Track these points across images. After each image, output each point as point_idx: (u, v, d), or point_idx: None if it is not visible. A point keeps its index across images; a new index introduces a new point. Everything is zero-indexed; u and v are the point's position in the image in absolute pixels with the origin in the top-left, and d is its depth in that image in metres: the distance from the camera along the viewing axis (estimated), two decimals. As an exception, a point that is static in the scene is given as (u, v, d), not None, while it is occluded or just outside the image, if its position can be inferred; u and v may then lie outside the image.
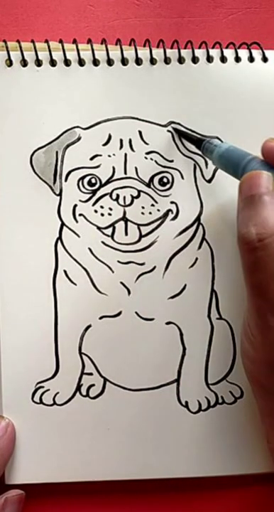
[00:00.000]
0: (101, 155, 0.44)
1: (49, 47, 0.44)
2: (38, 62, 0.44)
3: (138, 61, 0.44)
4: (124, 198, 0.44)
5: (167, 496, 0.46)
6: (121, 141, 0.44)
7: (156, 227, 0.44)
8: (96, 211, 0.44)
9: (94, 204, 0.44)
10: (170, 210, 0.44)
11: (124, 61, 0.44)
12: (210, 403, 0.45)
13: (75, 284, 0.44)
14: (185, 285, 0.44)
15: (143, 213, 0.44)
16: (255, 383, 0.38)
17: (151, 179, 0.44)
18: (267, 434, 0.39)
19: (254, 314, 0.36)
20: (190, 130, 0.44)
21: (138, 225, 0.44)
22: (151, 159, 0.44)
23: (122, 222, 0.44)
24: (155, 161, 0.44)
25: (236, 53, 0.45)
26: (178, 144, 0.44)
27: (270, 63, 0.45)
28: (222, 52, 0.45)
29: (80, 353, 0.44)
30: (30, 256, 0.44)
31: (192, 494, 0.46)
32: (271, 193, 0.36)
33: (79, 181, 0.44)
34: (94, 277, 0.44)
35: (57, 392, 0.44)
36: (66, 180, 0.44)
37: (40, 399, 0.44)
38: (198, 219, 0.44)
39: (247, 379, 0.41)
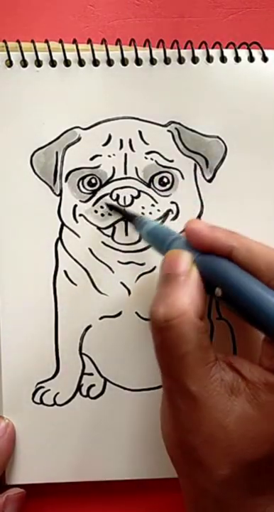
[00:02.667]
0: (101, 155, 0.44)
1: (49, 47, 0.44)
2: (38, 63, 0.44)
3: (138, 61, 0.44)
4: (124, 198, 0.44)
5: (167, 496, 0.46)
6: (121, 141, 0.44)
7: (156, 227, 0.44)
8: (96, 211, 0.44)
9: (94, 204, 0.44)
10: (170, 210, 0.44)
11: (124, 61, 0.44)
12: (210, 403, 0.45)
13: (75, 285, 0.44)
14: (185, 285, 0.44)
15: (143, 213, 0.44)
16: (172, 463, 0.38)
17: (151, 179, 0.44)
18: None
19: (166, 394, 0.36)
20: (190, 130, 0.44)
21: (138, 225, 0.44)
22: (151, 159, 0.44)
23: (122, 223, 0.44)
24: (155, 161, 0.44)
25: (236, 53, 0.45)
26: (178, 144, 0.44)
27: (270, 63, 0.45)
28: (222, 52, 0.45)
29: (80, 353, 0.44)
30: (30, 256, 0.44)
31: (193, 494, 0.46)
32: (187, 274, 0.36)
33: (79, 181, 0.44)
34: (94, 277, 0.44)
35: (58, 393, 0.44)
36: (66, 180, 0.44)
37: (41, 399, 0.44)
38: (198, 219, 0.44)
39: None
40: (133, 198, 0.44)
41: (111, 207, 0.44)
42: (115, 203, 0.44)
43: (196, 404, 0.34)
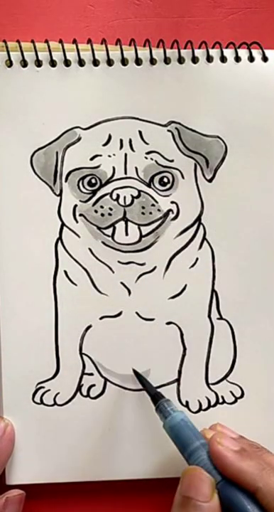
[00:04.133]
0: (101, 155, 0.44)
1: (49, 47, 0.44)
2: (38, 63, 0.44)
3: (138, 61, 0.44)
4: (124, 198, 0.44)
5: (167, 496, 0.46)
6: (121, 141, 0.44)
7: (157, 227, 0.44)
8: (96, 211, 0.44)
9: (94, 204, 0.44)
10: (170, 210, 0.44)
11: (124, 61, 0.44)
12: (210, 403, 0.45)
13: (75, 285, 0.44)
14: (186, 285, 0.44)
15: (143, 213, 0.44)
16: None
17: (151, 179, 0.44)
18: None
19: None
20: (191, 130, 0.44)
21: (139, 225, 0.44)
22: (151, 159, 0.44)
23: (122, 222, 0.44)
24: (156, 161, 0.44)
25: (236, 53, 0.45)
26: (178, 144, 0.44)
27: (270, 63, 0.45)
28: (222, 52, 0.45)
29: (81, 353, 0.44)
30: (30, 256, 0.44)
31: (193, 494, 0.46)
32: (209, 503, 0.36)
33: (79, 181, 0.44)
34: (95, 277, 0.44)
35: (58, 393, 0.44)
36: (66, 180, 0.44)
37: (41, 399, 0.44)
38: (199, 219, 0.44)
39: None
40: (133, 197, 0.44)
41: (138, 376, 0.44)
42: (141, 375, 0.44)
43: None
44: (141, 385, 0.43)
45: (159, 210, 0.44)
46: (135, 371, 0.44)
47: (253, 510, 0.36)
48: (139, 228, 0.44)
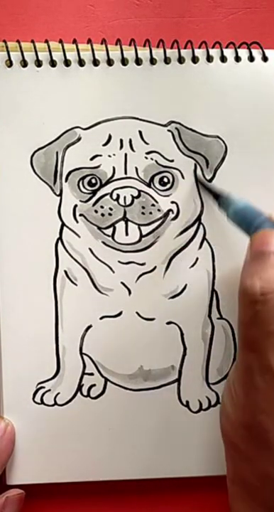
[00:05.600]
0: (101, 155, 0.44)
1: (49, 47, 0.44)
2: (38, 63, 0.44)
3: (138, 61, 0.44)
4: (124, 198, 0.44)
5: (167, 495, 0.46)
6: (121, 141, 0.44)
7: (157, 227, 0.44)
8: (96, 211, 0.44)
9: (94, 204, 0.44)
10: (170, 210, 0.44)
11: (124, 61, 0.44)
12: (211, 403, 0.45)
13: (76, 285, 0.44)
14: (186, 285, 0.44)
15: (143, 213, 0.44)
16: (230, 446, 0.37)
17: (151, 179, 0.44)
18: (231, 503, 0.37)
19: (242, 372, 0.36)
20: (191, 130, 0.44)
21: (139, 225, 0.44)
22: (151, 159, 0.44)
23: (122, 222, 0.44)
24: (156, 161, 0.44)
25: (236, 53, 0.45)
26: (178, 144, 0.44)
27: (270, 63, 0.45)
28: (222, 52, 0.45)
29: (81, 353, 0.44)
30: (30, 256, 0.44)
31: (193, 494, 0.46)
32: None
33: (79, 181, 0.44)
34: (95, 277, 0.44)
35: (58, 393, 0.44)
36: (66, 180, 0.44)
37: (41, 399, 0.44)
38: (199, 219, 0.45)
39: (222, 439, 0.38)
40: (133, 197, 0.44)
41: (200, 183, 0.44)
42: (203, 179, 0.44)
43: None
44: (203, 187, 0.44)
45: (159, 210, 0.44)
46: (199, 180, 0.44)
47: None
48: (139, 228, 0.44)
